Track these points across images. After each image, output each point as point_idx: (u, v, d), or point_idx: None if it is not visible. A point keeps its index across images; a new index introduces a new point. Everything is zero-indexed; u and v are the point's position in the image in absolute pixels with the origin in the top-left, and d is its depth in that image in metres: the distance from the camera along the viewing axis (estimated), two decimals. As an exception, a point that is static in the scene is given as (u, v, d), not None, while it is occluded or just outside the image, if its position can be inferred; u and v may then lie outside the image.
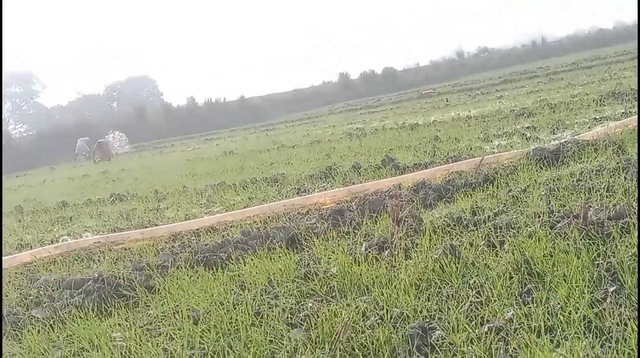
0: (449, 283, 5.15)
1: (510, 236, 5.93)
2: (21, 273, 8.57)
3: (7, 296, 7.29)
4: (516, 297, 4.60)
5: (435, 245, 6.15)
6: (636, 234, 5.29)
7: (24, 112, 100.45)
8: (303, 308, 5.11)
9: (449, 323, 4.38)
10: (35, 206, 17.82)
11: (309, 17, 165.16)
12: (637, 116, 11.71)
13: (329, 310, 4.92)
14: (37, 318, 6.10)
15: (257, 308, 5.28)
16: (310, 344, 4.43)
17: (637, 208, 4.53)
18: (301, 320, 4.89)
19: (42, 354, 5.18)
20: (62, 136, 61.20)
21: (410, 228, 6.97)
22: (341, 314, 4.76)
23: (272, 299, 5.47)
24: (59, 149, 57.16)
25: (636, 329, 3.71)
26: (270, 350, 4.44)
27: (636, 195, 6.55)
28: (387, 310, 4.76)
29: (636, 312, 3.98)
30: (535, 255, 5.20)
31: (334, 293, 5.44)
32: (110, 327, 5.56)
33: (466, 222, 6.88)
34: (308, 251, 6.91)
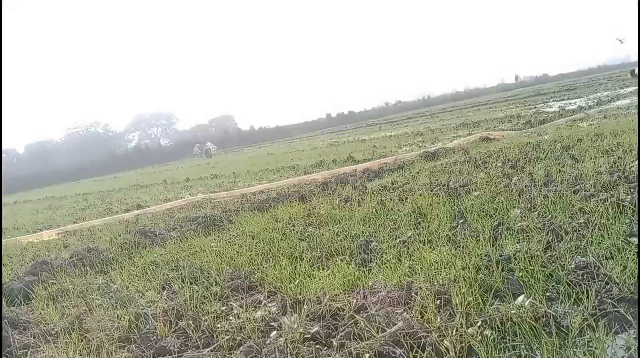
0: (379, 219, 5.13)
1: (410, 196, 5.92)
2: (166, 214, 8.56)
3: (158, 225, 7.24)
4: (413, 226, 4.60)
5: (372, 199, 6.13)
6: (473, 194, 5.29)
7: (167, 133, 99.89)
8: (307, 231, 5.11)
9: (380, 239, 4.38)
10: (173, 180, 17.75)
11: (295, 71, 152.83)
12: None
13: (319, 232, 4.93)
14: (173, 236, 6.10)
15: (283, 231, 5.29)
16: (310, 250, 4.43)
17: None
18: (305, 237, 4.89)
19: (176, 254, 5.17)
20: (187, 146, 60.85)
21: (361, 191, 6.97)
22: (326, 234, 4.76)
23: (291, 227, 5.47)
24: (185, 152, 56.86)
25: (474, 241, 3.72)
26: (290, 252, 4.43)
27: (474, 173, 6.57)
28: (349, 233, 4.77)
29: (474, 233, 3.98)
30: (423, 204, 5.20)
31: (322, 224, 5.44)
32: (210, 241, 5.56)
33: (389, 188, 6.87)
34: (310, 203, 6.89)
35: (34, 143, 72.06)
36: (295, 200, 7.22)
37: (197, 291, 3.76)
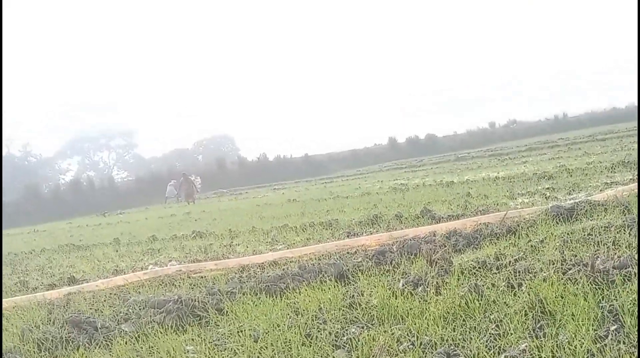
0: (472, 317, 5.10)
1: (527, 280, 5.85)
2: (115, 294, 8.67)
3: (102, 312, 7.39)
4: (530, 331, 4.53)
5: (462, 284, 6.09)
6: (637, 281, 5.20)
7: (125, 161, 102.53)
8: (346, 333, 5.09)
9: (470, 351, 4.33)
10: (130, 239, 18.05)
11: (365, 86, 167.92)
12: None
13: (368, 334, 4.91)
14: (126, 331, 6.17)
15: (308, 330, 5.29)
16: (351, 363, 4.41)
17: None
18: (344, 342, 4.88)
19: (128, 361, 5.23)
20: (156, 182, 62.09)
21: (442, 269, 6.92)
22: (378, 339, 4.73)
23: (321, 324, 5.47)
24: (153, 192, 58.01)
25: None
26: (317, 366, 4.42)
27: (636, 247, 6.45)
28: (418, 337, 4.74)
29: (635, 349, 3.89)
30: (548, 296, 5.13)
31: (373, 321, 5.42)
32: (185, 341, 5.60)
33: (490, 266, 6.81)
34: (354, 285, 6.89)
35: None
36: (330, 280, 7.21)
37: None
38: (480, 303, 5.34)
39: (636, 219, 7.95)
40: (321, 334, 5.12)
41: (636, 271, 5.51)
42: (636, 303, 4.66)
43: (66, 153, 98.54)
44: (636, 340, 4.04)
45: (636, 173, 15.31)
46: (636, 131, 39.45)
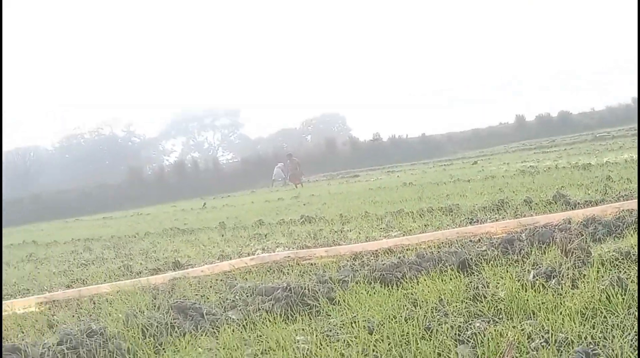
0: (614, 313, 4.93)
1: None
2: (221, 279, 8.87)
3: (208, 298, 7.57)
4: (682, 330, 4.34)
5: (602, 276, 5.90)
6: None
7: (231, 142, 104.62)
8: (470, 327, 5.02)
9: (612, 350, 4.18)
10: (236, 224, 18.43)
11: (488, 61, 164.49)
12: None
13: (495, 330, 4.82)
14: (233, 318, 6.30)
15: (427, 323, 5.25)
16: (476, 360, 4.35)
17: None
18: (468, 337, 4.81)
19: (235, 350, 5.33)
20: (262, 164, 63.16)
21: (578, 260, 6.73)
22: (507, 335, 4.64)
23: (441, 316, 5.41)
24: (259, 175, 58.98)
25: None
26: (437, 362, 4.39)
27: None
28: (552, 334, 4.62)
29: None
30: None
31: (500, 315, 5.33)
32: (295, 331, 5.66)
33: (634, 257, 6.56)
34: (477, 276, 6.81)
35: (5, 152, 77.86)
36: (452, 269, 7.14)
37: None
38: (623, 298, 5.15)
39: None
40: (442, 328, 5.07)
41: None
42: None
43: (170, 133, 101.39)
44: None
45: None
46: None
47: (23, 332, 7.26)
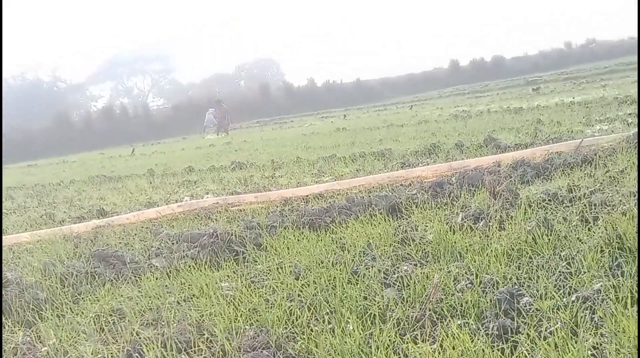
0: (540, 254, 5.00)
1: (604, 213, 5.71)
2: (146, 227, 8.76)
3: (132, 246, 7.47)
4: (605, 270, 4.41)
5: (529, 218, 5.98)
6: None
7: (161, 88, 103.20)
8: (397, 270, 5.04)
9: (537, 290, 4.24)
10: (165, 171, 18.24)
11: (423, 6, 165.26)
12: None
13: (421, 272, 4.85)
14: (156, 266, 6.22)
15: (354, 267, 5.25)
16: (402, 303, 4.36)
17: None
18: (395, 280, 4.83)
19: (157, 298, 5.26)
20: (194, 110, 62.49)
21: (506, 202, 6.82)
22: (433, 277, 4.66)
23: (369, 260, 5.43)
24: (191, 121, 58.47)
25: None
26: (363, 306, 4.38)
27: None
28: (477, 276, 4.66)
29: None
30: (628, 231, 4.97)
31: (428, 258, 5.37)
32: (220, 277, 5.62)
33: (561, 198, 6.68)
34: (407, 219, 6.84)
35: None
36: (381, 213, 7.16)
37: (189, 367, 3.77)
38: (549, 239, 5.23)
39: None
40: (369, 271, 5.08)
41: None
42: None
43: (98, 77, 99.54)
44: None
45: None
46: None
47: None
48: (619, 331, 3.42)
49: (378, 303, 4.39)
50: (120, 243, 7.81)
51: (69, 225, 9.82)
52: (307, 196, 9.46)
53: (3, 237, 9.39)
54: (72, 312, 5.23)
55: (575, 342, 3.42)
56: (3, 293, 5.66)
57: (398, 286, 4.69)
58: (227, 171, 15.60)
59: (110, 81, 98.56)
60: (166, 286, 5.57)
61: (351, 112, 49.13)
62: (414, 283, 4.62)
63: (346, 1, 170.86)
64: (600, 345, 3.37)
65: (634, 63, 46.87)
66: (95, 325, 4.82)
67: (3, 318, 5.24)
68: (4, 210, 14.35)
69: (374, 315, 4.21)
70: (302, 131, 30.22)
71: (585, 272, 4.44)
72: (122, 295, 5.49)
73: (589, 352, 3.30)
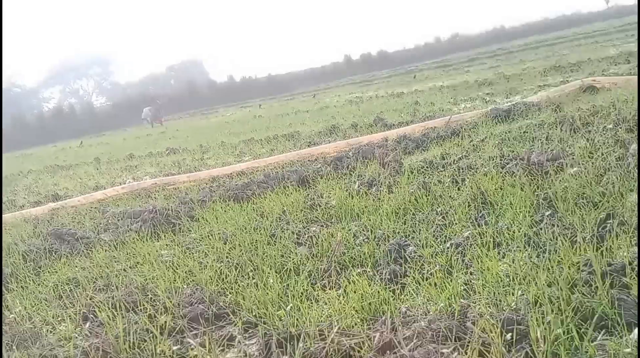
0: (421, 211, 5.10)
1: (470, 175, 5.86)
2: (95, 207, 8.53)
3: (83, 224, 7.28)
4: (472, 221, 4.52)
5: (411, 182, 6.09)
6: (568, 171, 5.20)
7: (103, 88, 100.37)
8: (308, 231, 5.06)
9: (419, 241, 4.32)
10: (109, 158, 17.82)
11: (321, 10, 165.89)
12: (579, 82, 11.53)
13: (327, 231, 4.87)
14: (105, 240, 6.08)
15: (272, 231, 5.25)
16: (312, 258, 4.39)
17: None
18: (306, 240, 4.85)
19: (107, 267, 5.15)
20: (132, 106, 61.01)
21: (393, 170, 6.92)
22: (336, 235, 4.70)
23: (284, 224, 5.43)
24: (130, 116, 57.11)
25: (567, 243, 3.62)
26: (281, 262, 4.39)
27: (570, 141, 6.47)
28: (372, 232, 4.72)
29: (567, 231, 3.89)
30: (489, 188, 5.12)
31: (332, 220, 5.40)
32: (160, 246, 5.54)
33: (436, 165, 6.81)
34: (314, 189, 6.86)
35: None
36: (293, 185, 7.17)
37: (137, 323, 3.71)
38: (427, 199, 5.34)
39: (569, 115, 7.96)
40: (284, 234, 5.08)
41: (567, 162, 5.53)
42: (567, 190, 4.66)
43: (48, 82, 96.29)
44: (569, 223, 4.05)
45: (567, 75, 15.37)
46: (564, 39, 39.52)
47: None
48: (484, 269, 3.52)
49: (293, 259, 4.40)
50: (73, 222, 7.59)
51: (28, 209, 9.50)
52: (231, 173, 9.41)
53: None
54: (34, 283, 5.07)
55: (451, 280, 3.51)
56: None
57: (309, 244, 4.71)
58: (162, 156, 15.33)
59: (59, 85, 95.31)
60: (114, 256, 5.45)
61: (265, 102, 48.79)
62: (322, 241, 4.65)
63: (258, 9, 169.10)
64: (470, 281, 3.47)
65: (490, 52, 48.16)
66: (54, 293, 4.69)
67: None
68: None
69: (290, 269, 4.22)
70: (224, 120, 29.89)
71: (456, 223, 4.55)
72: (76, 266, 5.35)
73: (461, 288, 3.39)
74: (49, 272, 5.40)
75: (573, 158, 5.66)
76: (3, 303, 4.68)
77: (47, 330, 3.94)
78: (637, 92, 8.61)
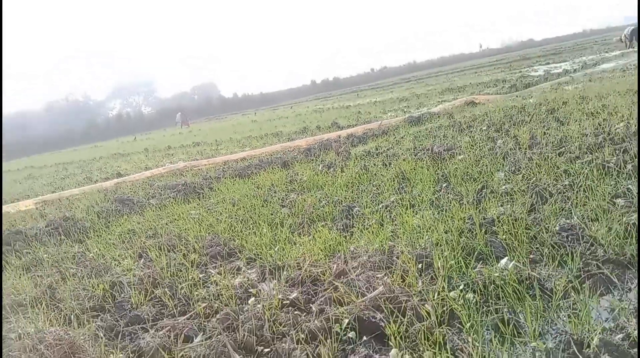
0: (362, 184, 5.09)
1: (394, 161, 5.86)
2: (145, 182, 8.37)
3: (137, 193, 7.12)
4: (396, 190, 4.53)
5: (356, 165, 6.07)
6: (457, 157, 5.24)
7: (149, 101, 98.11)
8: (288, 197, 5.03)
9: (362, 204, 4.31)
10: (154, 149, 17.44)
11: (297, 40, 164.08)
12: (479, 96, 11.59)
13: (301, 198, 4.84)
14: (152, 204, 5.97)
15: (265, 197, 5.20)
16: (292, 216, 4.36)
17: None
18: (287, 203, 4.81)
19: (154, 221, 5.06)
20: (169, 113, 59.88)
21: (344, 157, 6.89)
22: (307, 200, 4.67)
23: (273, 193, 5.38)
24: (167, 120, 56.00)
25: (457, 205, 3.65)
26: (271, 218, 4.36)
27: (458, 137, 6.52)
28: (331, 198, 4.70)
29: (457, 197, 3.92)
30: (406, 169, 5.13)
31: (305, 190, 5.36)
32: (189, 208, 5.45)
33: (372, 153, 6.79)
34: (292, 169, 6.80)
35: (12, 113, 70.09)
36: (278, 167, 7.11)
37: (175, 259, 3.66)
38: (367, 176, 5.34)
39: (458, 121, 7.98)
40: (273, 199, 5.05)
41: (457, 152, 5.56)
42: (457, 170, 4.68)
43: (111, 97, 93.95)
44: (458, 191, 4.08)
45: (457, 95, 15.46)
46: (456, 71, 39.75)
47: (24, 222, 6.56)
48: (404, 222, 3.54)
49: (279, 216, 4.37)
50: (130, 191, 7.44)
51: (100, 183, 9.28)
52: (237, 159, 9.29)
53: (63, 192, 8.78)
54: (105, 233, 4.97)
55: (382, 229, 3.52)
56: (64, 224, 5.32)
57: (289, 206, 4.68)
58: (190, 147, 15.05)
59: (119, 99, 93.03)
60: (159, 215, 5.36)
61: (258, 111, 48.20)
62: (298, 204, 4.63)
63: (260, 45, 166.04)
64: (395, 230, 3.48)
65: (406, 78, 48.18)
66: (119, 239, 4.61)
67: (62, 237, 4.93)
68: (61, 176, 13.44)
69: (277, 223, 4.19)
70: (232, 124, 29.43)
71: (386, 192, 4.55)
72: (133, 221, 5.26)
73: (389, 234, 3.41)
74: (115, 225, 5.29)
75: (460, 149, 5.71)
76: (85, 246, 4.57)
77: (115, 264, 3.87)
78: (506, 108, 8.68)
